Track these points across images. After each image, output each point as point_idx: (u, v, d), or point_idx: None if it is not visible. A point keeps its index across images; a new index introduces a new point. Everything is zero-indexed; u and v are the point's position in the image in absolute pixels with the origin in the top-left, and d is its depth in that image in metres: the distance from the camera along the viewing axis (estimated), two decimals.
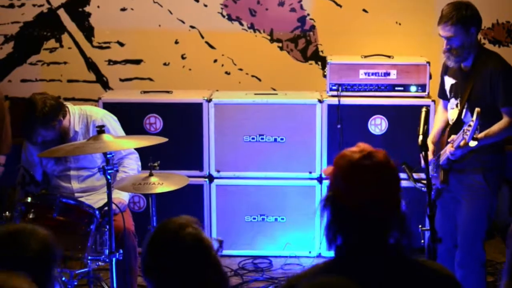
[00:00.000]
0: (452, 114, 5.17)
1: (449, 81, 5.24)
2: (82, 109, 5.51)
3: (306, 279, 2.62)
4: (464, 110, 5.04)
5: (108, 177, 4.55)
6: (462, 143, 4.76)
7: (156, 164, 4.98)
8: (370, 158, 2.69)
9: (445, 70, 5.29)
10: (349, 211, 2.66)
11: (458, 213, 5.14)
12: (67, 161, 5.40)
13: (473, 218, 5.08)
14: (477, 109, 4.59)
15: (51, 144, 5.09)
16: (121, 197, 5.26)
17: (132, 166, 5.43)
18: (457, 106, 5.12)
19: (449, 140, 4.94)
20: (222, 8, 7.27)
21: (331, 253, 6.52)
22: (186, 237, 2.72)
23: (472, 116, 4.82)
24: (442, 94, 5.38)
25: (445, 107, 5.33)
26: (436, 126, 5.34)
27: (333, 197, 2.71)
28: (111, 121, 5.48)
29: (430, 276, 2.72)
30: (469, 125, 4.67)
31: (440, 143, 5.18)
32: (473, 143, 4.70)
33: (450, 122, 5.18)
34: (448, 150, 4.90)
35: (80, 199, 5.20)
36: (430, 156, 5.12)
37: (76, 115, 5.40)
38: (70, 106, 5.44)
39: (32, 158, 5.45)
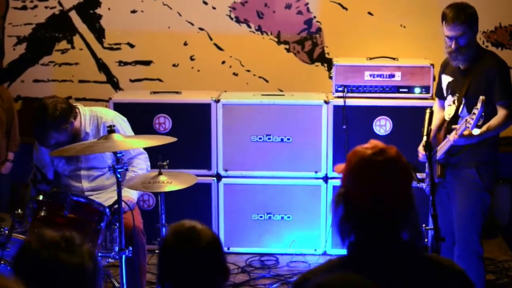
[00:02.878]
0: (449, 110, 5.27)
1: (446, 79, 5.35)
2: (93, 110, 5.54)
3: (321, 274, 2.64)
4: (461, 106, 5.13)
5: (118, 175, 4.60)
6: (466, 132, 4.83)
7: (165, 163, 5.02)
8: (382, 154, 2.69)
9: (443, 69, 5.41)
10: (362, 207, 2.68)
11: (453, 208, 5.24)
12: (78, 161, 5.44)
13: (467, 212, 5.17)
14: (481, 97, 4.70)
15: (63, 145, 5.12)
16: (130, 195, 5.31)
17: (141, 166, 5.48)
18: (454, 102, 5.23)
19: (452, 127, 5.02)
20: (230, 11, 7.36)
21: (337, 251, 6.63)
22: (207, 235, 2.83)
23: (468, 112, 4.92)
24: (438, 93, 5.51)
25: (441, 106, 5.44)
26: (432, 124, 5.41)
27: (346, 193, 2.72)
28: (121, 123, 5.53)
29: (443, 272, 2.75)
30: (473, 113, 4.74)
31: (436, 140, 5.27)
32: (476, 131, 4.77)
33: (447, 118, 5.27)
34: (452, 137, 4.95)
35: (90, 197, 5.25)
36: (422, 152, 5.22)
37: (87, 116, 5.44)
38: (80, 107, 5.48)
39: (43, 157, 5.50)
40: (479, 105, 4.68)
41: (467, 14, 5.08)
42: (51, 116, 5.15)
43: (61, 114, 5.19)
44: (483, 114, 4.73)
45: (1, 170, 6.62)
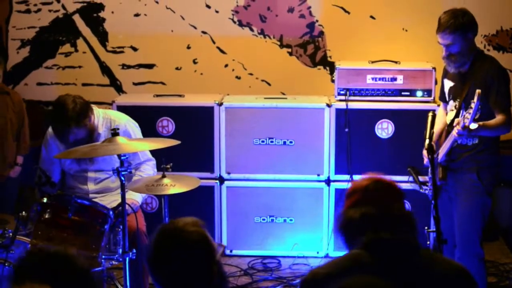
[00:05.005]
0: (450, 115, 5.28)
1: (448, 84, 5.38)
2: (106, 112, 5.56)
3: (331, 269, 2.82)
4: (461, 111, 5.13)
5: (122, 178, 4.62)
6: (463, 127, 4.80)
7: (168, 166, 5.03)
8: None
9: (445, 74, 5.43)
10: (368, 215, 2.86)
11: (454, 212, 5.26)
12: (91, 161, 5.47)
13: (468, 216, 5.19)
14: (478, 91, 4.66)
15: (81, 143, 5.12)
16: (135, 198, 5.34)
17: (148, 172, 5.48)
18: (455, 107, 5.24)
19: (454, 124, 4.99)
20: (233, 14, 7.39)
21: (339, 254, 6.61)
22: (193, 234, 2.82)
23: None
24: (442, 97, 5.52)
25: (445, 110, 5.45)
26: (436, 127, 5.43)
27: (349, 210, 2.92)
28: (134, 128, 5.56)
29: (447, 271, 2.86)
30: (470, 107, 4.71)
31: (438, 144, 5.27)
32: (474, 125, 4.74)
33: (448, 122, 5.30)
34: (455, 131, 4.91)
35: (94, 199, 5.26)
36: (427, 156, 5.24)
37: (100, 117, 5.45)
38: (94, 108, 5.48)
39: (52, 154, 5.46)
40: (475, 99, 4.65)
41: (458, 24, 5.07)
42: (71, 111, 5.14)
43: (81, 108, 5.19)
44: (479, 107, 4.68)
45: (10, 173, 6.64)
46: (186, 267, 2.80)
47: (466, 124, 4.75)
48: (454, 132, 4.94)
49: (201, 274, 2.82)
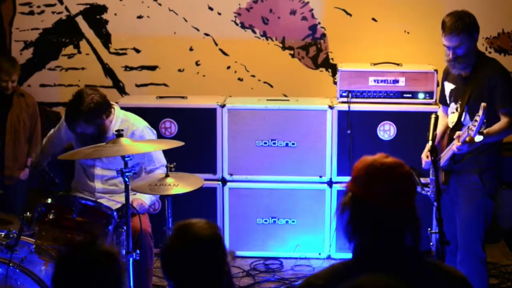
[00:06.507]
0: (452, 117, 5.29)
1: (449, 87, 5.38)
2: (127, 115, 5.57)
3: (326, 278, 2.79)
4: (464, 114, 5.16)
5: (126, 179, 4.63)
6: (468, 138, 4.81)
7: (172, 165, 5.02)
8: (387, 157, 2.89)
9: (445, 76, 5.44)
10: (368, 207, 2.79)
11: (456, 214, 5.27)
12: (97, 159, 5.48)
13: (470, 217, 5.20)
14: (483, 104, 4.67)
15: (88, 137, 5.18)
16: (143, 199, 5.36)
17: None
18: (456, 110, 5.26)
19: (454, 136, 5.00)
20: (235, 16, 7.41)
21: (341, 255, 6.65)
22: (207, 235, 2.86)
23: (471, 119, 4.93)
24: (442, 99, 5.53)
25: (445, 112, 5.46)
26: (437, 129, 5.43)
27: (353, 196, 2.86)
28: (150, 134, 5.56)
29: (446, 278, 2.82)
30: (475, 120, 4.73)
31: (440, 146, 5.28)
32: (479, 138, 4.75)
33: (450, 126, 5.30)
34: (454, 145, 4.94)
35: (101, 200, 5.28)
36: (425, 159, 5.26)
37: (120, 119, 5.47)
38: (117, 108, 5.51)
39: (61, 140, 5.56)
40: (480, 112, 4.67)
41: (464, 25, 5.08)
42: (85, 106, 5.18)
43: (95, 107, 5.22)
44: (485, 120, 4.71)
45: (20, 175, 6.65)
46: (199, 266, 2.83)
47: (471, 135, 4.76)
48: (454, 147, 4.97)
49: (213, 273, 2.86)
